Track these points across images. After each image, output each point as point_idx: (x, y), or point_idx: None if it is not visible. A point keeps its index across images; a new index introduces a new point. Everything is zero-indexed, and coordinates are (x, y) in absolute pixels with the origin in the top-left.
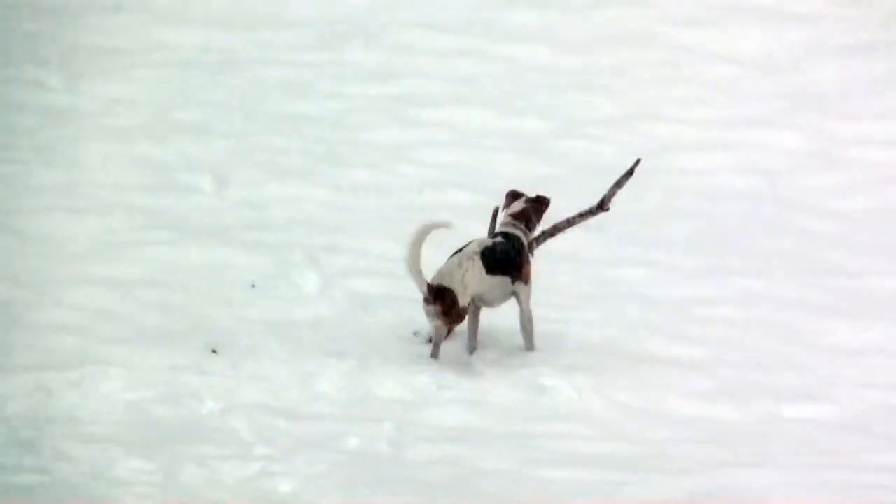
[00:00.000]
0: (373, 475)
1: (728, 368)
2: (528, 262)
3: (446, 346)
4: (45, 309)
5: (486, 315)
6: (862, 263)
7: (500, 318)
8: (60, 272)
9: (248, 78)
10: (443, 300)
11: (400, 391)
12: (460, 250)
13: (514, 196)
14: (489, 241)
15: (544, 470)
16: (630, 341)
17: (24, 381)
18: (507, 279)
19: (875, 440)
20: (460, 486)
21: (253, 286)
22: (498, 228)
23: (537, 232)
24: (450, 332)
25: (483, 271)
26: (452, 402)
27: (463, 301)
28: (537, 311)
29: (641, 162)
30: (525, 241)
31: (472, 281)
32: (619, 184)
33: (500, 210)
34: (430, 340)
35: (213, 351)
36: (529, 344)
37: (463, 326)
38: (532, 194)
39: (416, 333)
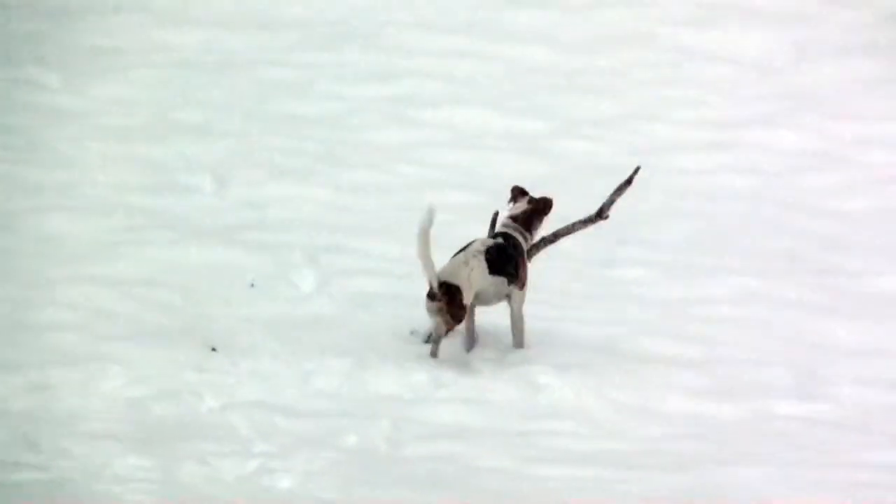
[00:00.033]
0: (371, 472)
1: (724, 366)
2: (524, 266)
3: (444, 345)
4: (45, 308)
5: (483, 314)
6: (860, 263)
7: (497, 316)
8: (61, 271)
9: (247, 78)
10: (450, 297)
11: (397, 389)
12: (464, 249)
13: (520, 192)
14: (491, 241)
15: (540, 467)
16: (626, 340)
17: (25, 379)
18: (504, 280)
19: (871, 438)
20: (457, 483)
21: (252, 285)
22: (497, 230)
23: (538, 237)
24: (449, 330)
25: (486, 270)
26: (449, 399)
27: (467, 299)
28: (534, 310)
29: (640, 169)
30: (523, 244)
31: (477, 279)
32: (618, 191)
33: (509, 203)
34: (429, 339)
35: (213, 349)
36: (518, 341)
37: (460, 325)
38: (537, 195)
39: (413, 332)
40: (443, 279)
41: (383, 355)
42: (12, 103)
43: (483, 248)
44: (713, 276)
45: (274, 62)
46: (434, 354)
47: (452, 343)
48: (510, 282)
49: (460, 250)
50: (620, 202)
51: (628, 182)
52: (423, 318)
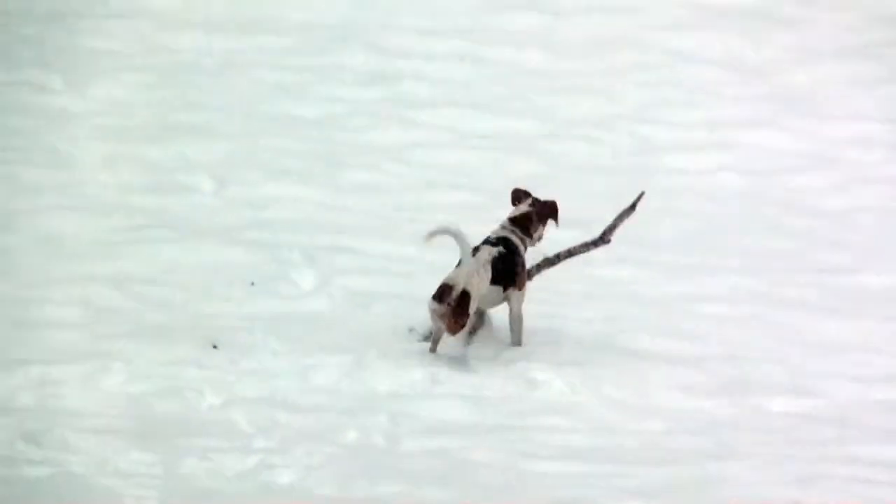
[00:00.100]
0: (369, 467)
1: (718, 363)
2: (523, 269)
3: (441, 342)
4: (47, 306)
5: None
6: (853, 262)
7: (493, 315)
8: (62, 270)
9: (247, 80)
10: (459, 303)
11: (396, 385)
12: (476, 249)
13: (523, 194)
14: (495, 251)
15: (536, 462)
16: (622, 337)
17: (28, 376)
18: (501, 288)
19: (865, 434)
20: (454, 478)
21: (252, 284)
22: (495, 233)
23: (539, 238)
24: (451, 334)
25: (489, 280)
26: (446, 396)
27: (472, 308)
28: (532, 308)
29: (644, 195)
30: (521, 247)
31: (483, 288)
32: (621, 217)
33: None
34: (427, 338)
35: (214, 346)
36: (516, 339)
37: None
38: (540, 197)
39: (411, 330)
40: (459, 285)
41: (381, 352)
42: (13, 105)
43: (489, 259)
44: (708, 274)
45: (273, 64)
46: (433, 350)
47: (449, 340)
48: (507, 287)
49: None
50: (616, 200)
51: (632, 208)
52: (420, 316)
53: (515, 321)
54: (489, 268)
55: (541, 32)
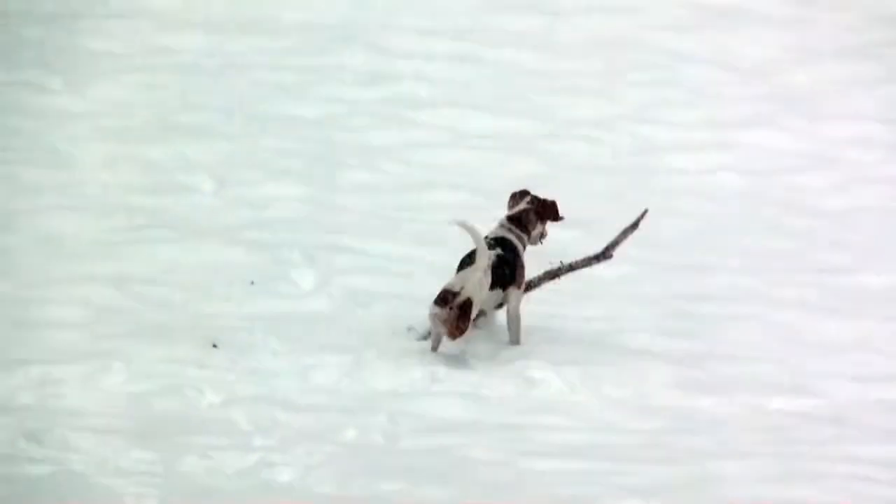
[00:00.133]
0: (368, 465)
1: (717, 363)
2: (521, 267)
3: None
4: (48, 306)
5: None
6: (853, 262)
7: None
8: (62, 270)
9: (247, 81)
10: (462, 311)
11: (395, 384)
12: (470, 257)
13: (521, 195)
14: (493, 255)
15: (534, 460)
16: (619, 336)
17: (29, 375)
18: (501, 289)
19: (864, 433)
20: (453, 476)
21: (252, 283)
22: (493, 233)
23: (541, 236)
24: (452, 339)
25: (488, 285)
26: (445, 394)
27: (474, 313)
28: (530, 307)
29: (647, 213)
30: (519, 246)
31: (484, 294)
32: (624, 234)
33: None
34: (426, 337)
35: (214, 345)
36: (514, 338)
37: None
38: (540, 195)
39: (410, 329)
40: (464, 293)
41: (381, 351)
42: (14, 105)
43: (489, 264)
44: (707, 274)
45: (273, 65)
46: (434, 349)
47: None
48: (506, 286)
49: (467, 260)
50: (612, 200)
51: (634, 225)
52: (420, 315)
53: (513, 320)
54: (489, 273)
55: (540, 33)
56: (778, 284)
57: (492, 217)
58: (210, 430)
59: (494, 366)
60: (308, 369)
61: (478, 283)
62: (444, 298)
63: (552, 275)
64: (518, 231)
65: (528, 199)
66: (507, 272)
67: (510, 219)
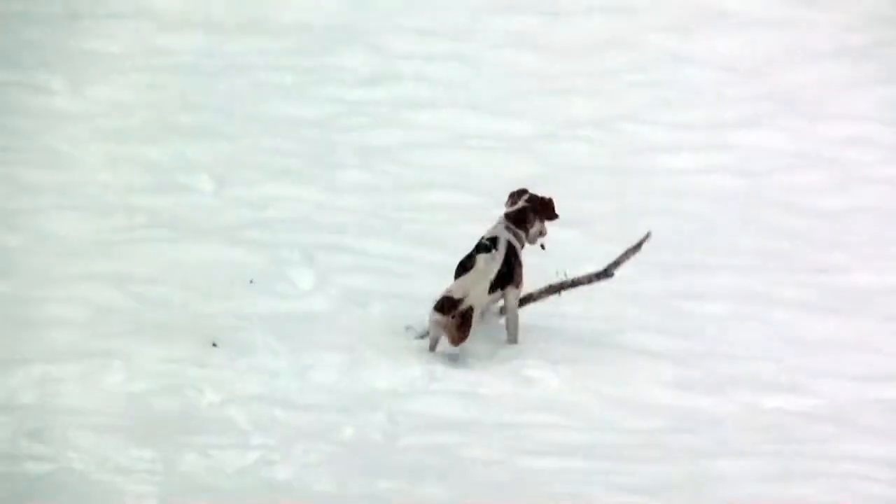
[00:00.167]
0: (367, 463)
1: (715, 362)
2: (519, 266)
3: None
4: (48, 305)
5: None
6: (844, 260)
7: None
8: (63, 269)
9: (247, 81)
10: (463, 318)
11: (393, 383)
12: (470, 258)
13: (518, 194)
14: (490, 258)
15: (531, 458)
16: (615, 335)
17: (30, 375)
18: (500, 290)
19: (859, 432)
20: (451, 474)
21: (251, 283)
22: (490, 232)
23: (540, 235)
24: (453, 344)
25: (488, 289)
26: (443, 393)
27: (476, 320)
28: (528, 306)
29: (650, 236)
30: (516, 244)
31: (484, 298)
32: (626, 255)
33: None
34: (423, 336)
35: (214, 345)
36: (513, 337)
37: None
38: (538, 194)
39: (408, 328)
40: (466, 301)
41: (379, 350)
42: (15, 106)
43: (486, 267)
44: (705, 273)
45: (272, 65)
46: (433, 349)
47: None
48: (504, 286)
49: (466, 265)
50: (608, 200)
51: (637, 247)
52: (418, 314)
53: (512, 319)
54: (488, 277)
55: (539, 33)
56: (776, 284)
57: (491, 217)
58: (210, 428)
59: (492, 365)
60: (307, 368)
61: (478, 290)
62: (447, 306)
63: (553, 289)
64: (516, 230)
65: (525, 197)
66: (505, 272)
67: (508, 217)
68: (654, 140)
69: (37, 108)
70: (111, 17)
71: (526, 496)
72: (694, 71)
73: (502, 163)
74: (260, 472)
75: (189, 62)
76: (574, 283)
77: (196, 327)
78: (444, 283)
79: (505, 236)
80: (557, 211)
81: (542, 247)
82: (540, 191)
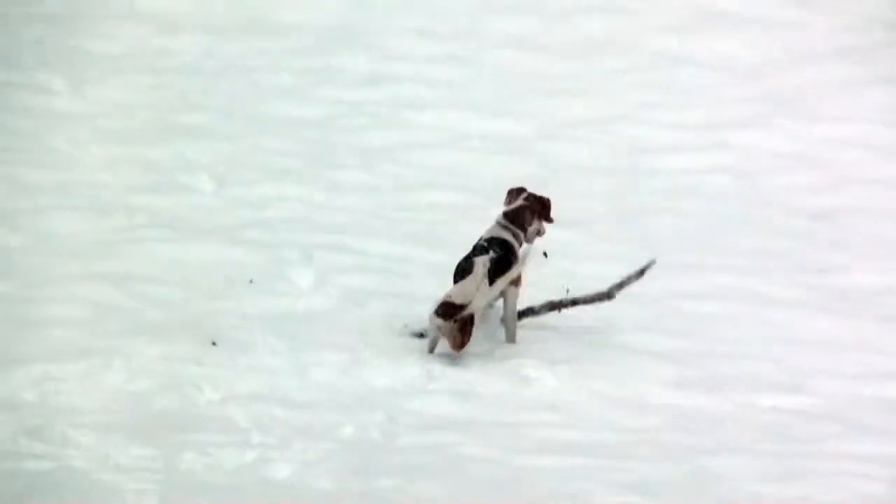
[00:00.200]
0: (365, 461)
1: (712, 360)
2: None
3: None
4: (49, 304)
5: None
6: (829, 260)
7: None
8: (64, 269)
9: (246, 82)
10: (463, 326)
11: (391, 382)
12: (468, 260)
13: (517, 192)
14: (488, 259)
15: (528, 457)
16: (611, 334)
17: (30, 373)
18: (498, 290)
19: (855, 430)
20: (449, 472)
21: (251, 282)
22: (489, 233)
23: (538, 233)
24: (455, 349)
25: (486, 290)
26: (441, 392)
27: (477, 324)
28: (522, 305)
29: (654, 263)
30: (514, 244)
31: (484, 302)
32: (629, 279)
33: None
34: (421, 336)
35: (213, 343)
36: (511, 337)
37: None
38: (536, 192)
39: (407, 325)
40: (468, 307)
41: (377, 349)
42: (15, 106)
43: (485, 272)
44: (702, 273)
45: (272, 66)
46: (431, 351)
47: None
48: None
49: (462, 264)
50: (603, 200)
51: (641, 273)
52: (417, 314)
53: (510, 318)
54: (487, 280)
55: (538, 34)
56: (774, 284)
57: (489, 217)
58: (209, 427)
59: (490, 364)
60: (306, 367)
61: (478, 294)
62: (448, 311)
63: (554, 306)
64: (514, 229)
65: (524, 195)
66: (503, 271)
67: (506, 216)
68: (653, 140)
69: (37, 109)
70: (112, 18)
71: (524, 494)
72: (693, 71)
73: (502, 163)
74: (259, 470)
75: (189, 63)
76: (575, 302)
77: (196, 326)
78: (443, 283)
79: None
80: (554, 213)
81: (545, 254)
82: (540, 191)
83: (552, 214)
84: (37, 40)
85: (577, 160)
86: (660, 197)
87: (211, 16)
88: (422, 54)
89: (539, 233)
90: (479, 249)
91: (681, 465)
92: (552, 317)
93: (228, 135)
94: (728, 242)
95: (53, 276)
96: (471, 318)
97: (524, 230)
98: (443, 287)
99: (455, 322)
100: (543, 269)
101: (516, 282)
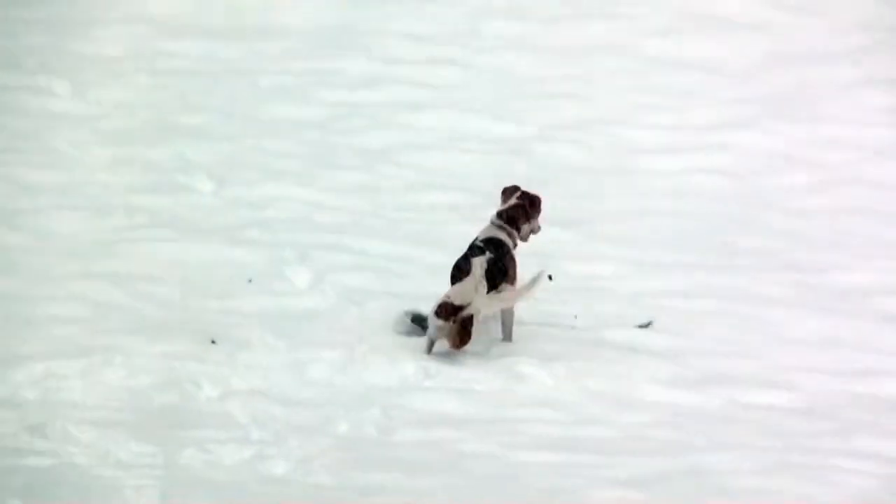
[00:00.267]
0: (362, 457)
1: (695, 357)
2: (513, 264)
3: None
4: (50, 302)
5: None
6: (823, 259)
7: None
8: (64, 268)
9: (246, 84)
10: (463, 326)
11: (388, 379)
12: (466, 260)
13: (511, 191)
14: (484, 260)
15: (522, 453)
16: (603, 332)
17: (32, 371)
18: (495, 291)
19: (838, 426)
20: (444, 468)
21: (250, 281)
22: (484, 233)
23: (533, 232)
24: (454, 349)
25: (485, 291)
26: (437, 389)
27: (476, 325)
28: (520, 305)
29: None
30: (509, 243)
31: (483, 303)
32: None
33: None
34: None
35: (212, 341)
36: (507, 335)
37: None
38: (529, 191)
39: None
40: (468, 308)
41: (374, 347)
42: (17, 108)
43: (482, 272)
44: (691, 272)
45: (272, 69)
46: (429, 351)
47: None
48: (499, 284)
49: (461, 263)
50: (599, 200)
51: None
52: (413, 307)
53: (508, 316)
54: (485, 281)
55: (527, 39)
56: (758, 282)
57: (485, 217)
58: (208, 423)
59: (486, 362)
60: (303, 364)
61: (478, 295)
62: (448, 312)
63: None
64: (509, 228)
65: (517, 194)
66: (499, 270)
67: (500, 216)
68: (651, 142)
69: (38, 110)
70: (112, 21)
71: (519, 490)
72: (690, 74)
73: (501, 164)
74: (257, 465)
75: (189, 65)
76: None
77: (195, 325)
78: (441, 282)
79: (500, 236)
80: (552, 213)
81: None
82: (539, 191)
83: (542, 213)
84: (38, 44)
85: (574, 161)
86: (657, 198)
87: (211, 18)
88: (421, 56)
89: (534, 231)
90: (475, 250)
91: (674, 460)
92: (544, 315)
93: (228, 135)
94: (715, 242)
95: (54, 275)
96: (470, 319)
97: (518, 230)
98: (441, 287)
99: (455, 322)
100: (536, 268)
101: (511, 281)
